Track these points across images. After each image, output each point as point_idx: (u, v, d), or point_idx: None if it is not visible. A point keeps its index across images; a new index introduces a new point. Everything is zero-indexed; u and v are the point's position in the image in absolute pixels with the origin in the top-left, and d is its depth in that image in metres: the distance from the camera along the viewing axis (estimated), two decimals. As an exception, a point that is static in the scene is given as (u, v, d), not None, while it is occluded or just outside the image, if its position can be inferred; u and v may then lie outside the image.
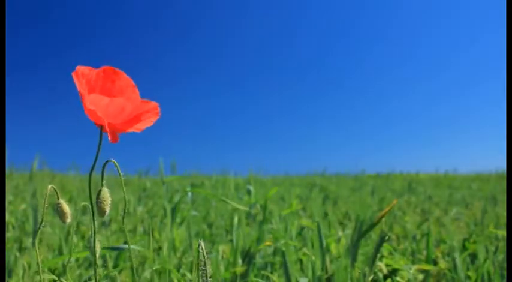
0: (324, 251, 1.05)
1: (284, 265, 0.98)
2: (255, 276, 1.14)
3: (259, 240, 1.26)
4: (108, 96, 0.54)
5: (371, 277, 0.93)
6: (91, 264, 1.26)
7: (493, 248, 1.30)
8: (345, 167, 7.64)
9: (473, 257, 1.43)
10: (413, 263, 1.34)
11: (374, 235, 1.54)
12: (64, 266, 1.13)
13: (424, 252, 1.46)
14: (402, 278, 1.12)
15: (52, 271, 1.15)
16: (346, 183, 5.14)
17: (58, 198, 0.59)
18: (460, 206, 3.03)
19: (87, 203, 0.58)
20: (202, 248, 0.53)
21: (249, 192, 2.31)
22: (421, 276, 1.19)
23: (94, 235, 0.59)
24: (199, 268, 0.54)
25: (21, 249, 1.47)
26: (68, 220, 0.59)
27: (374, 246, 0.93)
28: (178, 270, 1.13)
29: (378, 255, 0.93)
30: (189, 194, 1.83)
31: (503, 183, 4.81)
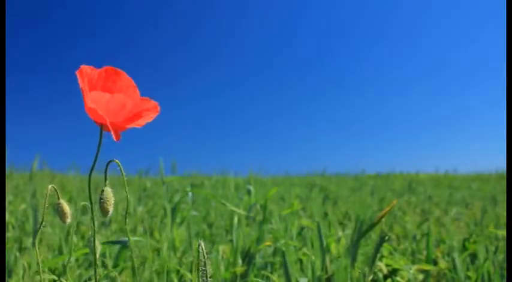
0: (324, 251, 1.05)
1: (284, 265, 0.98)
2: (255, 276, 1.14)
3: (259, 240, 1.26)
4: None
5: (371, 277, 0.93)
6: (91, 264, 1.26)
7: (493, 248, 1.30)
8: (345, 167, 7.64)
9: (473, 257, 1.43)
10: (413, 263, 1.34)
11: (374, 235, 1.54)
12: (64, 266, 1.13)
13: (424, 252, 1.46)
14: (402, 278, 1.12)
15: (52, 271, 1.15)
16: (346, 183, 5.14)
17: (58, 198, 0.59)
18: (460, 206, 3.03)
19: (88, 203, 0.58)
20: (202, 248, 0.53)
21: (249, 192, 2.31)
22: (421, 276, 1.19)
23: (94, 235, 0.59)
24: (200, 268, 0.54)
25: (21, 249, 1.47)
26: (68, 220, 0.59)
27: (374, 246, 0.93)
28: (178, 270, 1.13)
29: (378, 255, 0.93)
30: (189, 194, 1.83)
31: (503, 183, 4.81)
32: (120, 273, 1.12)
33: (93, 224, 0.58)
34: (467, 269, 1.25)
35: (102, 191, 0.55)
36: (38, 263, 0.59)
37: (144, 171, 4.39)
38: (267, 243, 1.22)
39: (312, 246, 1.11)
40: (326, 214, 2.23)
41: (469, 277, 1.17)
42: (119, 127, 0.57)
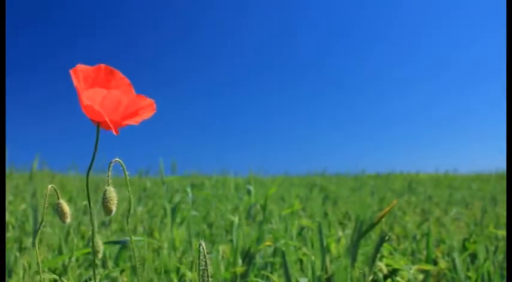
0: (324, 251, 1.05)
1: (284, 265, 0.98)
2: (255, 276, 1.14)
3: (259, 240, 1.26)
4: None
5: (371, 277, 0.93)
6: (91, 264, 1.26)
7: (493, 248, 1.30)
8: (345, 167, 7.64)
9: (473, 257, 1.43)
10: (413, 263, 1.34)
11: (374, 235, 1.54)
12: (64, 266, 1.13)
13: (424, 252, 1.46)
14: (402, 278, 1.12)
15: (52, 271, 1.15)
16: (346, 183, 5.14)
17: (58, 198, 0.59)
18: (460, 206, 3.03)
19: (89, 202, 0.58)
20: (203, 248, 0.53)
21: (249, 192, 2.31)
22: (421, 276, 1.19)
23: (93, 235, 0.59)
24: (200, 268, 0.54)
25: (21, 249, 1.47)
26: (68, 220, 0.59)
27: (374, 246, 0.93)
28: (178, 270, 1.13)
29: (378, 255, 0.93)
30: (189, 194, 1.83)
31: (503, 183, 4.81)
32: (120, 273, 1.12)
33: (92, 224, 0.58)
34: (467, 269, 1.25)
35: (105, 190, 0.55)
36: (38, 263, 0.59)
37: (144, 171, 4.39)
38: (267, 243, 1.22)
39: (312, 246, 1.11)
40: (326, 214, 2.23)
41: (469, 277, 1.17)
42: (115, 124, 0.57)
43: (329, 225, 1.54)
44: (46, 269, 0.97)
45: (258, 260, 1.22)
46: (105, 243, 0.91)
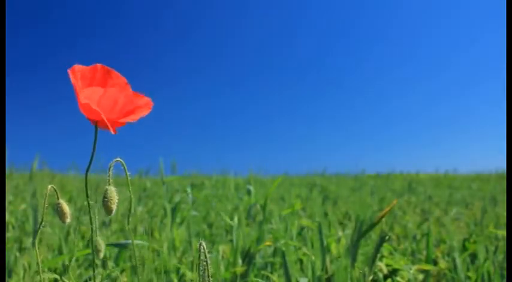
0: (324, 251, 1.05)
1: (284, 265, 0.98)
2: (255, 276, 1.14)
3: (259, 240, 1.26)
4: None
5: (371, 277, 0.93)
6: (91, 264, 1.26)
7: (493, 248, 1.30)
8: (345, 167, 7.64)
9: (473, 257, 1.43)
10: (413, 263, 1.34)
11: (374, 235, 1.54)
12: (64, 266, 1.13)
13: (424, 252, 1.46)
14: (402, 278, 1.12)
15: (52, 271, 1.15)
16: (346, 183, 5.14)
17: (58, 198, 0.59)
18: (460, 206, 3.03)
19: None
20: (204, 248, 0.53)
21: (249, 192, 2.31)
22: (421, 276, 1.19)
23: (92, 234, 0.59)
24: (200, 267, 0.54)
25: (21, 249, 1.47)
26: (68, 220, 0.59)
27: (374, 246, 0.93)
28: (178, 270, 1.13)
29: (378, 255, 0.93)
30: (190, 194, 1.83)
31: (503, 183, 4.81)
32: (120, 273, 1.12)
33: (91, 223, 0.58)
34: (467, 269, 1.25)
35: (106, 190, 0.55)
36: (37, 263, 0.59)
37: (144, 171, 4.39)
38: (267, 243, 1.22)
39: (312, 246, 1.11)
40: (326, 214, 2.23)
41: (469, 277, 1.17)
42: (113, 123, 0.57)
43: (329, 225, 1.54)
44: (46, 269, 0.97)
45: (258, 260, 1.22)
46: (107, 245, 0.92)
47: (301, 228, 1.52)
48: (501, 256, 1.28)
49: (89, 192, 0.58)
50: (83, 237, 1.66)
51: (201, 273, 0.54)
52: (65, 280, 0.63)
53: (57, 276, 0.63)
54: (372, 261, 0.93)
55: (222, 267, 1.14)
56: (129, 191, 0.57)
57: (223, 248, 1.39)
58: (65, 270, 1.12)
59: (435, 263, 1.38)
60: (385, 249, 1.26)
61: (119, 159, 0.56)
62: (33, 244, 1.30)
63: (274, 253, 1.26)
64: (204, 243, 0.54)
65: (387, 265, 1.14)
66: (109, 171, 0.55)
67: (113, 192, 0.55)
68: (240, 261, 1.13)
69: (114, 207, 0.55)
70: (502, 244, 1.42)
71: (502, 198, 3.21)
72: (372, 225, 0.95)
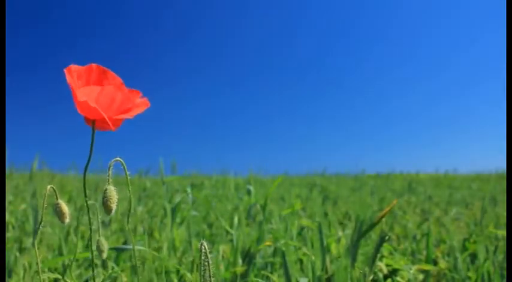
0: (324, 251, 1.05)
1: (284, 265, 0.98)
2: (255, 276, 1.14)
3: (259, 240, 1.26)
4: None
5: (371, 277, 0.93)
6: (91, 264, 1.26)
7: (493, 248, 1.30)
8: (345, 167, 7.64)
9: (473, 257, 1.43)
10: (413, 263, 1.34)
11: (374, 235, 1.54)
12: (64, 266, 1.13)
13: (424, 252, 1.46)
14: (402, 278, 1.12)
15: (52, 271, 1.15)
16: (346, 183, 5.14)
17: (57, 199, 0.59)
18: (460, 206, 3.03)
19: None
20: (205, 248, 0.53)
21: (249, 192, 2.31)
22: (421, 276, 1.19)
23: (91, 234, 0.59)
24: (201, 267, 0.54)
25: (21, 249, 1.46)
26: (67, 220, 0.59)
27: (374, 246, 0.93)
28: (178, 271, 1.13)
29: (378, 255, 0.93)
30: (190, 194, 1.83)
31: (503, 183, 4.81)
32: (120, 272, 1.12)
33: (90, 223, 0.58)
34: (468, 269, 1.25)
35: (106, 189, 0.55)
36: (37, 263, 0.59)
37: (144, 171, 4.39)
38: (267, 243, 1.22)
39: (312, 246, 1.10)
40: (326, 214, 2.23)
41: (469, 277, 1.17)
42: (111, 120, 0.57)
43: (329, 225, 1.54)
44: (46, 269, 0.97)
45: (258, 260, 1.22)
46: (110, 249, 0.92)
47: (301, 228, 1.52)
48: (501, 256, 1.28)
49: (88, 192, 0.58)
50: (82, 237, 1.66)
51: (202, 273, 0.54)
52: (68, 280, 0.63)
53: (59, 276, 0.63)
54: (372, 261, 0.93)
55: (222, 267, 1.14)
56: (129, 191, 0.57)
57: (223, 248, 1.39)
58: (65, 270, 1.12)
59: (435, 263, 1.37)
60: (385, 249, 1.26)
61: (118, 158, 0.56)
62: (33, 244, 1.30)
63: (274, 253, 1.26)
64: (205, 243, 0.54)
65: (387, 265, 1.14)
66: (109, 170, 0.55)
67: (112, 191, 0.55)
68: (240, 261, 1.13)
69: (113, 206, 0.55)
70: (502, 244, 1.41)
71: (502, 198, 3.21)
72: (372, 225, 0.95)
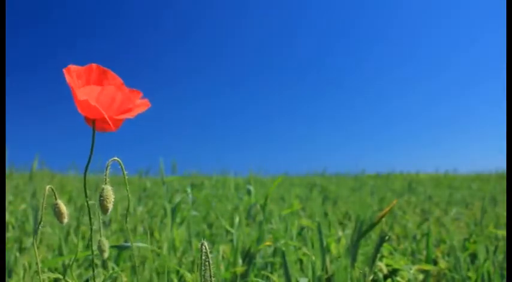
0: (324, 251, 1.05)
1: (284, 265, 0.98)
2: (255, 276, 1.14)
3: (259, 240, 1.26)
4: None
5: (371, 277, 0.93)
6: (91, 264, 1.26)
7: (493, 248, 1.30)
8: (345, 167, 7.64)
9: (473, 257, 1.43)
10: (413, 263, 1.34)
11: (374, 235, 1.54)
12: (64, 266, 1.13)
13: (424, 252, 1.46)
14: (402, 278, 1.12)
15: (52, 271, 1.15)
16: (346, 183, 5.14)
17: (56, 199, 0.59)
18: (460, 206, 3.03)
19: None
20: (205, 248, 0.53)
21: (249, 192, 2.31)
22: (421, 276, 1.19)
23: (91, 234, 0.59)
24: (202, 267, 0.54)
25: (21, 249, 1.47)
26: (65, 220, 0.59)
27: (374, 246, 0.93)
28: (178, 271, 1.13)
29: (378, 255, 0.93)
30: (190, 194, 1.83)
31: (503, 183, 4.81)
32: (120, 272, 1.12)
33: (91, 223, 0.58)
34: (468, 269, 1.25)
35: (102, 189, 0.55)
36: (37, 263, 0.59)
37: (144, 171, 4.39)
38: (267, 243, 1.22)
39: (312, 246, 1.10)
40: (326, 214, 2.23)
41: (469, 277, 1.17)
42: (111, 120, 0.57)
43: (329, 225, 1.54)
44: (46, 269, 0.97)
45: (258, 260, 1.22)
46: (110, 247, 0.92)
47: (301, 228, 1.52)
48: (501, 256, 1.28)
49: (88, 192, 0.58)
50: (83, 237, 1.66)
51: (202, 273, 0.54)
52: (68, 280, 0.63)
53: (60, 276, 0.63)
54: (372, 261, 0.93)
55: (222, 267, 1.14)
56: (127, 190, 0.57)
57: (223, 248, 1.39)
58: (65, 270, 1.12)
59: (435, 263, 1.37)
60: (385, 249, 1.26)
61: (116, 158, 0.56)
62: (33, 244, 1.30)
63: (274, 253, 1.26)
64: (205, 243, 0.54)
65: (387, 265, 1.14)
66: (106, 170, 0.55)
67: (109, 191, 0.55)
68: (240, 261, 1.13)
69: (110, 206, 0.55)
70: (502, 244, 1.41)
71: (502, 198, 3.21)
72: (372, 225, 0.95)
